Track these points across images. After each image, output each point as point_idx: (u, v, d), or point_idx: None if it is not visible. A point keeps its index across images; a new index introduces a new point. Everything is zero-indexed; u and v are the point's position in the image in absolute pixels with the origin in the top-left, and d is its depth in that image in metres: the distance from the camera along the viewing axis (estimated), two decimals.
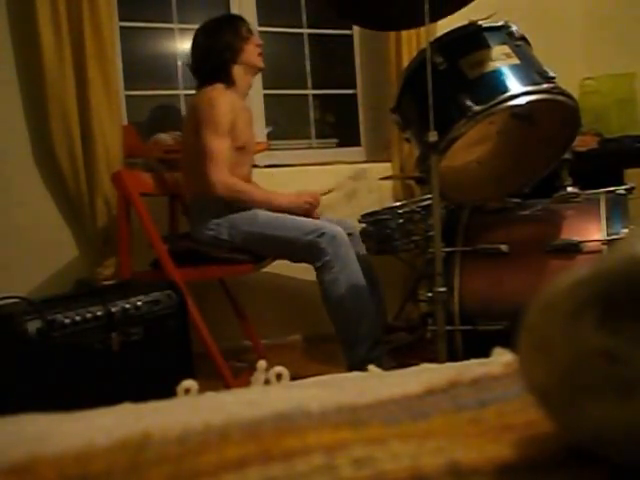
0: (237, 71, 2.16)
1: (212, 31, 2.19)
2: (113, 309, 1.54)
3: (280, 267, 2.48)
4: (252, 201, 2.08)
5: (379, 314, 2.12)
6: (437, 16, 1.67)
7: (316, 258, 1.95)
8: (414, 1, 1.47)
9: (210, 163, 2.02)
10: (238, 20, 2.24)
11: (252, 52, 2.18)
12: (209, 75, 2.15)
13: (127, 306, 1.58)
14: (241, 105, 2.18)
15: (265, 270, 2.37)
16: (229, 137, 2.07)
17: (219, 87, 2.11)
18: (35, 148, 2.36)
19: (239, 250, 2.07)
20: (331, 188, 2.35)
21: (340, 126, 3.23)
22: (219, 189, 2.02)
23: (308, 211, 2.11)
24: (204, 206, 2.10)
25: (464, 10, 1.66)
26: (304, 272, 2.63)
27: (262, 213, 2.10)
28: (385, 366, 1.86)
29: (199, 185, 2.09)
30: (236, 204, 2.08)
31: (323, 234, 1.95)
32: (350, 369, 1.92)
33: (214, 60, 2.15)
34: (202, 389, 0.49)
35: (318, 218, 2.13)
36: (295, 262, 2.12)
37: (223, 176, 2.02)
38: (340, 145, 3.07)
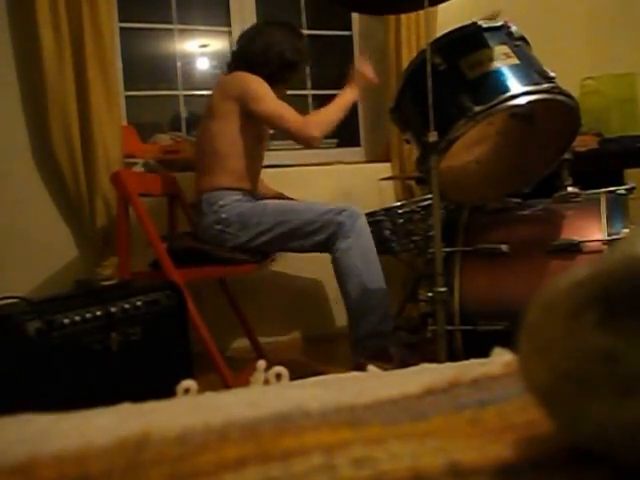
0: (270, 81, 2.17)
1: (291, 36, 2.22)
2: (112, 309, 1.54)
3: (280, 265, 2.48)
4: (336, 117, 2.10)
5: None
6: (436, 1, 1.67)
7: (332, 234, 1.96)
8: None
9: (282, 120, 2.03)
10: (304, 54, 2.27)
11: (283, 86, 2.22)
12: (251, 66, 2.15)
13: (126, 306, 1.58)
14: None
15: (265, 269, 2.37)
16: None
17: (252, 75, 2.12)
18: (35, 148, 2.36)
19: (241, 249, 2.06)
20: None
21: (340, 126, 3.22)
22: (310, 132, 2.03)
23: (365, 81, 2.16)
24: (213, 201, 2.10)
25: (466, 12, 1.66)
26: (304, 271, 2.64)
27: (271, 203, 2.10)
28: (393, 343, 1.86)
29: (208, 180, 2.10)
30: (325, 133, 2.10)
31: (342, 211, 1.97)
32: (356, 341, 1.91)
33: (271, 61, 2.16)
34: (201, 389, 0.49)
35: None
36: (308, 251, 2.09)
37: (300, 120, 2.03)
38: (340, 145, 3.07)
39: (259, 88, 2.06)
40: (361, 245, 1.94)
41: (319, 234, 1.98)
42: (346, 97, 2.12)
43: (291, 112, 2.04)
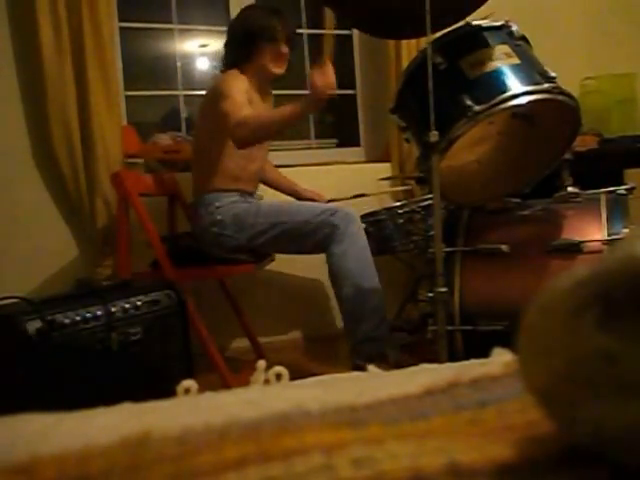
0: (251, 65, 2.14)
1: (246, 16, 2.16)
2: (113, 309, 1.54)
3: (280, 265, 2.48)
4: (273, 126, 1.93)
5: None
6: (438, 27, 1.67)
7: (327, 236, 1.93)
8: (415, 12, 1.47)
9: (226, 120, 1.91)
10: (277, 14, 2.16)
11: (269, 54, 2.12)
12: (228, 59, 2.14)
13: (127, 306, 1.58)
14: (254, 97, 2.13)
15: (265, 269, 2.37)
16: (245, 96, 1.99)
17: (233, 72, 2.10)
18: (35, 149, 2.36)
19: (240, 249, 2.06)
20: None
21: (340, 126, 3.23)
22: (237, 132, 1.89)
23: (325, 95, 1.81)
24: (209, 203, 2.10)
25: None
26: (304, 271, 2.64)
27: (265, 203, 2.09)
28: (390, 348, 1.86)
29: (205, 182, 2.10)
30: (262, 138, 1.98)
31: (335, 212, 1.94)
32: (354, 346, 1.90)
33: (235, 46, 2.14)
34: (201, 389, 0.49)
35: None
36: (303, 252, 2.09)
37: (236, 120, 1.89)
38: (340, 145, 3.07)
39: (226, 86, 2.00)
40: (356, 250, 1.92)
41: (314, 235, 1.96)
42: (292, 109, 1.86)
43: (237, 110, 1.91)
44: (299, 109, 1.86)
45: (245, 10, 2.22)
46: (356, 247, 1.92)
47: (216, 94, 2.03)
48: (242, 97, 1.98)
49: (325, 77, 1.80)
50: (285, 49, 2.15)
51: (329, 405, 0.39)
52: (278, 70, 2.16)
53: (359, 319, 1.90)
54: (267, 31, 2.11)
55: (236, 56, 2.14)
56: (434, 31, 1.50)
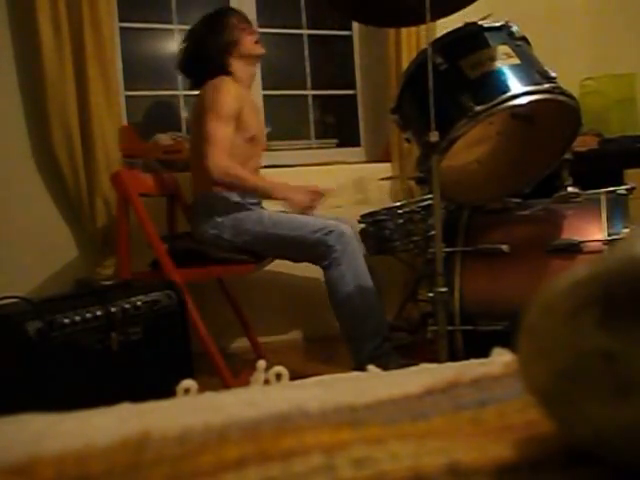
0: (236, 64, 2.16)
1: (204, 32, 2.18)
2: (113, 309, 1.54)
3: (280, 266, 2.48)
4: (246, 187, 2.05)
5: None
6: (438, 15, 1.67)
7: (323, 256, 1.95)
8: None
9: (209, 147, 2.00)
10: (227, 13, 2.22)
11: (248, 41, 2.17)
12: (209, 74, 2.14)
13: (127, 306, 1.58)
14: (246, 96, 2.17)
15: (265, 269, 2.37)
16: (233, 124, 2.06)
17: (224, 78, 2.11)
18: (35, 148, 2.36)
19: (238, 251, 2.06)
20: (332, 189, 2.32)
21: (340, 126, 3.23)
22: (215, 173, 1.99)
23: (305, 209, 2.03)
24: (209, 204, 2.10)
25: (462, 11, 1.66)
26: (304, 271, 2.63)
27: (267, 213, 2.10)
28: (393, 364, 1.86)
29: (204, 183, 2.10)
30: (234, 191, 2.07)
31: (331, 232, 1.95)
32: (357, 366, 1.91)
33: (210, 61, 2.15)
34: (201, 389, 0.49)
35: (311, 213, 2.07)
36: (300, 262, 2.11)
37: (220, 160, 1.99)
38: (340, 145, 3.07)
39: (216, 102, 2.04)
40: (354, 271, 1.93)
41: (308, 251, 1.98)
42: (269, 188, 2.04)
43: (222, 148, 2.00)
44: (273, 194, 2.02)
45: (195, 30, 2.21)
46: (354, 269, 1.94)
47: (206, 107, 2.05)
48: (229, 125, 2.04)
49: (307, 200, 2.00)
50: (253, 27, 2.23)
51: (329, 405, 0.39)
52: (259, 50, 2.21)
53: (360, 341, 1.92)
54: (230, 25, 2.16)
55: (216, 69, 2.15)
56: (433, 19, 1.51)
